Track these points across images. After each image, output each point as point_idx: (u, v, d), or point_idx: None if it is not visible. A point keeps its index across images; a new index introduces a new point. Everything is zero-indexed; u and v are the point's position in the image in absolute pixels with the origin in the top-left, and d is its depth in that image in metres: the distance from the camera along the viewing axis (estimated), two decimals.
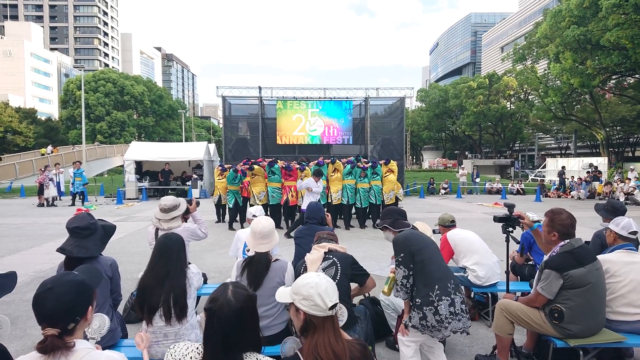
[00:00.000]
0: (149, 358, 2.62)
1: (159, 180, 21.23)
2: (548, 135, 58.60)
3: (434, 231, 4.37)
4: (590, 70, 26.10)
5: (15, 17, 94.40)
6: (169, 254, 2.89)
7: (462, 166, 30.46)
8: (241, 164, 11.81)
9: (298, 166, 11.30)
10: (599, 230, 4.30)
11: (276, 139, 20.21)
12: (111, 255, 3.37)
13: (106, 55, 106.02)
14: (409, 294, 2.99)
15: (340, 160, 11.87)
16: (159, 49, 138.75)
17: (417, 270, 2.97)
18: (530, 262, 4.89)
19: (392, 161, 12.11)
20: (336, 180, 11.38)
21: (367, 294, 4.02)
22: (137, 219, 13.23)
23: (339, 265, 3.16)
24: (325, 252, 3.27)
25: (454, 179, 27.10)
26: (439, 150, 74.81)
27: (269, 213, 10.55)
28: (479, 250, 4.44)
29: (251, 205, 10.47)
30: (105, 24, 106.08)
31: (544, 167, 34.19)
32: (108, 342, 2.89)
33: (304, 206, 10.20)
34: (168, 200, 4.22)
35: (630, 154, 46.02)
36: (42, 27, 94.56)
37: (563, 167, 25.31)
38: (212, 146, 25.19)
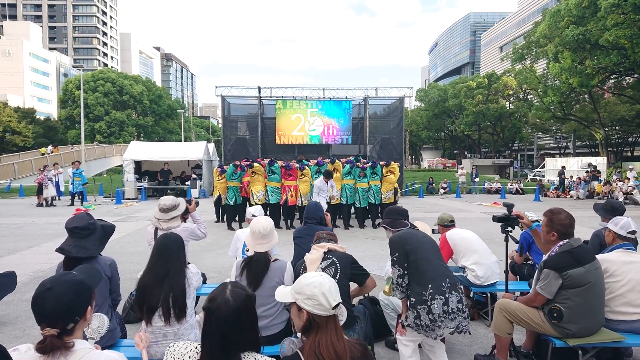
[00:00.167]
0: (148, 358, 2.62)
1: (158, 180, 21.21)
2: (547, 135, 58.67)
3: (433, 231, 4.38)
4: (589, 70, 26.13)
5: (14, 17, 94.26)
6: (168, 254, 2.89)
7: (461, 166, 30.50)
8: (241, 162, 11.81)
9: (297, 165, 11.30)
10: (597, 230, 4.30)
11: (275, 139, 20.22)
12: (110, 255, 3.37)
13: (105, 55, 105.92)
14: (404, 293, 3.00)
15: (340, 160, 11.88)
16: (158, 48, 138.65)
17: (412, 270, 2.98)
18: (530, 262, 4.90)
19: (393, 163, 12.06)
20: (335, 180, 11.38)
21: (366, 294, 4.01)
22: (136, 219, 13.22)
23: (338, 265, 3.16)
24: (324, 252, 3.27)
25: (453, 178, 27.12)
26: (438, 150, 74.85)
27: (268, 213, 10.54)
28: (478, 249, 4.45)
29: (250, 205, 10.47)
30: (104, 23, 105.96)
31: (543, 166, 34.24)
32: (107, 342, 2.89)
33: None
34: (167, 200, 4.22)
35: (629, 154, 46.11)
36: (41, 26, 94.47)
37: (563, 167, 25.34)
38: (212, 146, 25.18)
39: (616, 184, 20.11)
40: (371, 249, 8.55)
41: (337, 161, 11.69)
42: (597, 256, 3.24)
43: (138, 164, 21.50)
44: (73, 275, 1.80)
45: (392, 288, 3.08)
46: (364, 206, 11.57)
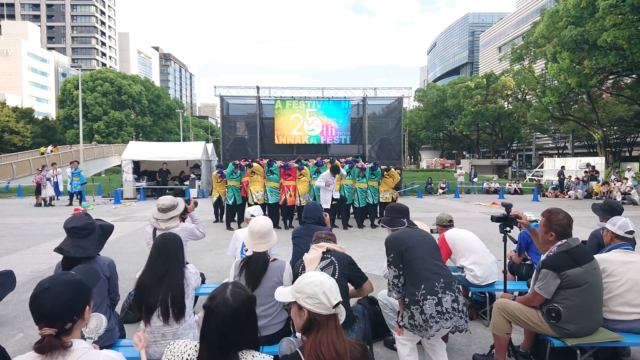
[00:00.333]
0: (147, 358, 2.62)
1: (157, 180, 21.19)
2: (545, 135, 58.77)
3: (431, 231, 4.38)
4: (587, 70, 26.17)
5: (12, 17, 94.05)
6: (167, 254, 2.89)
7: (459, 166, 30.51)
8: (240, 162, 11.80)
9: (296, 165, 11.29)
10: (595, 230, 4.31)
11: (274, 139, 20.21)
12: (109, 255, 3.37)
13: (104, 54, 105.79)
14: (401, 293, 3.01)
15: (339, 160, 11.87)
16: (156, 48, 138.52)
17: (406, 270, 2.99)
18: (528, 262, 4.90)
19: (393, 170, 11.94)
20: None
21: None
22: (135, 219, 13.21)
23: (337, 264, 3.16)
24: (323, 252, 3.27)
25: (451, 178, 27.13)
26: (437, 150, 74.94)
27: (266, 213, 10.54)
28: (476, 249, 4.45)
29: (249, 205, 10.46)
30: (103, 23, 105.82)
31: (542, 166, 34.30)
32: (106, 342, 2.88)
33: (322, 204, 10.35)
34: (166, 200, 4.22)
35: (627, 154, 46.21)
36: (40, 26, 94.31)
37: (562, 167, 25.37)
38: (210, 146, 25.18)
39: (614, 184, 20.14)
40: (370, 248, 8.56)
41: (336, 161, 11.69)
42: (595, 256, 3.24)
43: (137, 164, 21.48)
44: (71, 275, 1.80)
45: (388, 288, 3.09)
46: (362, 206, 11.57)
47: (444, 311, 2.85)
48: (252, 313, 1.73)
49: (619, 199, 18.11)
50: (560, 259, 3.04)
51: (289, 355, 1.85)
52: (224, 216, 12.02)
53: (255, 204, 10.43)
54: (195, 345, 1.75)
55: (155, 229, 4.17)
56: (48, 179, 17.63)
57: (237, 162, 11.39)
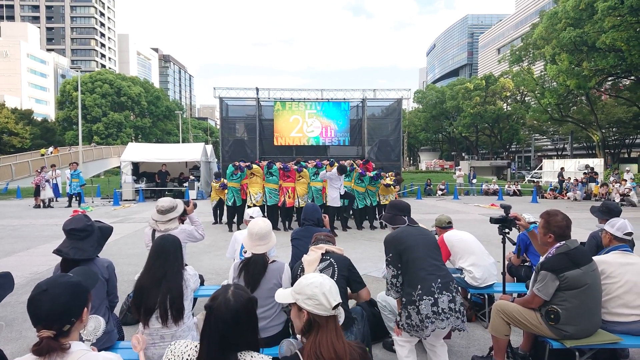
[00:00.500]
0: None
1: (156, 181, 21.19)
2: (544, 137, 58.84)
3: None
4: (586, 72, 26.21)
5: (11, 18, 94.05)
6: (166, 256, 2.88)
7: (458, 167, 30.54)
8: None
9: (295, 167, 11.29)
10: (594, 232, 4.32)
11: (273, 140, 20.22)
12: (108, 257, 3.36)
13: (103, 56, 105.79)
14: (399, 292, 3.01)
15: (339, 163, 11.87)
16: (156, 50, 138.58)
17: (404, 270, 2.99)
18: (527, 264, 4.91)
19: (392, 187, 11.91)
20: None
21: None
22: (134, 221, 13.19)
23: (336, 266, 3.15)
24: (322, 254, 3.27)
25: (451, 180, 27.15)
26: (436, 151, 75.00)
27: (266, 214, 10.54)
28: (475, 251, 4.46)
29: (248, 207, 10.46)
30: (102, 24, 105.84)
31: (541, 168, 34.31)
32: (104, 344, 2.88)
33: (330, 202, 10.51)
34: (165, 201, 4.22)
35: (626, 155, 46.24)
36: (39, 27, 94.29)
37: (562, 169, 25.38)
38: (209, 147, 25.18)
39: (613, 186, 20.16)
40: (369, 250, 8.55)
41: (335, 164, 11.70)
42: (593, 258, 3.25)
43: (136, 166, 21.46)
44: (69, 277, 1.80)
45: (387, 288, 3.08)
46: (361, 207, 11.57)
47: (440, 311, 2.85)
48: (253, 315, 1.74)
49: (617, 200, 18.13)
50: (559, 261, 3.04)
51: (288, 356, 1.86)
52: (224, 218, 12.04)
53: (254, 205, 10.43)
54: (196, 346, 1.76)
55: (154, 231, 4.17)
56: (47, 181, 17.61)
57: (237, 163, 11.40)
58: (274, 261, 3.25)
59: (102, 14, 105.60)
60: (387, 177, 11.84)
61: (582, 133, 41.21)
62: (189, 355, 1.73)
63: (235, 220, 11.40)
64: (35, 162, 28.82)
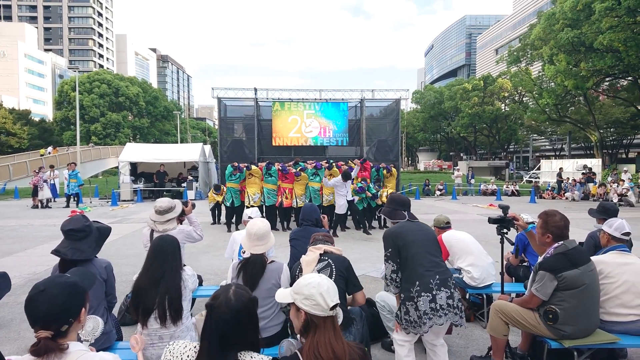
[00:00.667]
0: None
1: (154, 181, 21.15)
2: (542, 137, 58.93)
3: None
4: (584, 73, 26.27)
5: (9, 18, 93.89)
6: (164, 256, 2.88)
7: (457, 168, 30.58)
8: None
9: (294, 171, 11.27)
10: (592, 232, 4.33)
11: (272, 141, 20.20)
12: (106, 257, 3.36)
13: (101, 56, 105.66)
14: (399, 288, 3.01)
15: (338, 167, 11.89)
16: (154, 50, 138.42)
17: (402, 266, 2.99)
18: (525, 264, 4.92)
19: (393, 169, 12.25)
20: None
21: None
22: (132, 221, 13.17)
23: (334, 267, 3.15)
24: (320, 254, 3.26)
25: (449, 180, 27.17)
26: (434, 151, 75.10)
27: (264, 215, 10.53)
28: (473, 251, 4.46)
29: (246, 207, 10.46)
30: (100, 25, 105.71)
31: (539, 168, 34.36)
32: (103, 345, 2.87)
33: (337, 209, 10.40)
34: (163, 202, 4.21)
35: (623, 156, 46.36)
36: (36, 27, 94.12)
37: (561, 169, 25.43)
38: (208, 147, 25.15)
39: (610, 186, 20.21)
40: (367, 250, 8.56)
41: (334, 167, 11.74)
42: (592, 258, 3.25)
43: (134, 166, 21.43)
44: (66, 278, 1.80)
45: (385, 283, 3.08)
46: (360, 208, 11.56)
47: (438, 308, 2.86)
48: (254, 315, 1.74)
49: (615, 200, 18.17)
50: (557, 261, 3.05)
51: (288, 356, 1.85)
52: (222, 218, 12.04)
53: (252, 206, 10.42)
54: (195, 347, 1.76)
55: (152, 231, 4.16)
56: (45, 181, 17.57)
57: (236, 164, 11.40)
58: (272, 261, 3.25)
59: (99, 14, 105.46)
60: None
61: (580, 133, 41.30)
62: (188, 356, 1.73)
63: (233, 220, 11.40)
64: (33, 163, 28.77)
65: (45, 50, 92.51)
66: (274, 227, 10.63)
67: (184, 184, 20.80)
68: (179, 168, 22.96)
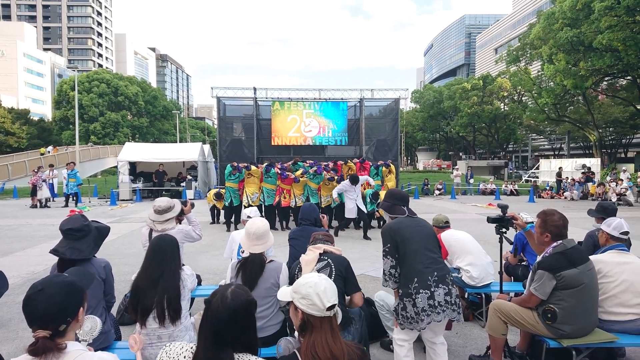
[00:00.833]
0: None
1: (153, 181, 21.13)
2: (541, 137, 58.99)
3: None
4: (583, 72, 26.28)
5: (8, 17, 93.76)
6: (163, 256, 2.88)
7: (456, 167, 30.56)
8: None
9: (293, 176, 11.25)
10: (591, 231, 4.34)
11: (271, 140, 20.20)
12: (105, 256, 3.36)
13: (100, 55, 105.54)
14: (397, 283, 3.01)
15: (335, 164, 11.96)
16: (153, 49, 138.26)
17: (401, 262, 2.99)
18: (524, 263, 4.92)
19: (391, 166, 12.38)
20: (330, 186, 11.35)
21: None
22: (131, 220, 13.16)
23: (333, 266, 3.15)
24: (320, 253, 3.26)
25: (448, 179, 27.18)
26: (434, 151, 75.11)
27: (263, 214, 10.53)
28: (472, 250, 4.46)
29: (245, 207, 10.46)
30: (99, 24, 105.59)
31: (538, 168, 34.39)
32: (101, 344, 2.87)
33: (347, 213, 10.34)
34: (162, 201, 4.20)
35: (622, 155, 46.40)
36: (35, 27, 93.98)
37: (560, 169, 25.44)
38: (207, 147, 25.14)
39: (609, 185, 20.23)
40: (366, 250, 8.56)
41: (349, 162, 11.88)
42: (590, 257, 3.26)
43: (133, 165, 21.40)
44: (64, 277, 1.80)
45: (384, 278, 3.07)
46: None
47: (436, 305, 2.86)
48: (251, 316, 1.73)
49: (614, 200, 18.19)
50: (555, 260, 3.05)
51: (286, 356, 1.85)
52: (221, 217, 12.03)
53: (250, 205, 10.41)
54: (192, 347, 1.75)
55: (151, 231, 4.16)
56: (44, 180, 17.54)
57: (235, 164, 11.39)
58: (271, 261, 3.25)
59: (99, 14, 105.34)
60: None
61: (579, 133, 41.34)
62: (184, 357, 1.73)
63: (232, 220, 11.39)
64: (32, 162, 28.73)
65: (45, 49, 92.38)
66: (273, 227, 10.62)
67: (183, 184, 20.79)
68: (178, 167, 22.94)
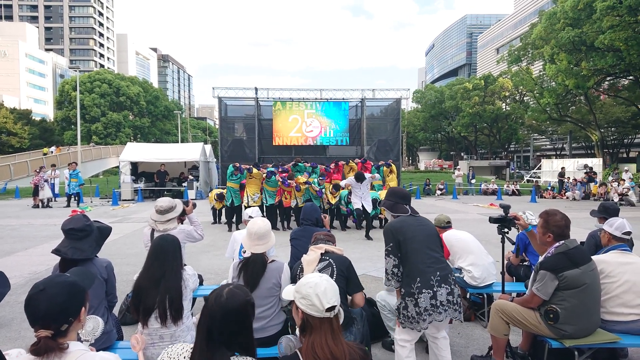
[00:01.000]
0: None
1: (155, 181, 21.15)
2: (543, 137, 58.89)
3: None
4: (585, 72, 26.23)
5: (10, 18, 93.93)
6: (165, 256, 2.88)
7: (457, 167, 30.53)
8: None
9: (295, 185, 11.24)
10: (593, 231, 4.32)
11: (272, 140, 20.22)
12: (106, 256, 3.36)
13: (102, 56, 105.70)
14: (400, 282, 3.00)
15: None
16: (154, 49, 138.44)
17: (403, 261, 2.98)
18: (526, 263, 4.91)
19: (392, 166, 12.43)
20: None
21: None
22: (133, 221, 13.18)
23: (335, 266, 3.14)
24: (321, 253, 3.26)
25: (449, 180, 27.15)
26: (435, 151, 75.03)
27: (264, 214, 10.53)
28: (474, 250, 4.46)
29: (246, 207, 10.46)
30: (101, 24, 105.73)
31: (539, 168, 34.33)
32: (103, 344, 2.87)
33: (353, 205, 10.35)
34: (164, 201, 4.20)
35: (624, 155, 46.29)
36: (37, 27, 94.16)
37: (563, 168, 25.40)
38: (208, 147, 25.15)
39: (611, 185, 20.18)
40: (368, 250, 8.56)
41: (351, 162, 11.92)
42: (592, 257, 3.25)
43: (134, 165, 21.43)
44: (66, 277, 1.80)
45: (386, 277, 3.06)
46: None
47: (439, 304, 2.86)
48: (246, 317, 1.71)
49: (616, 200, 18.16)
50: (558, 260, 3.04)
51: (288, 356, 1.85)
52: (223, 217, 12.04)
53: (252, 205, 10.42)
54: (191, 348, 1.75)
55: (153, 231, 4.16)
56: (46, 181, 17.58)
57: (238, 165, 11.41)
58: (273, 261, 3.25)
59: (100, 14, 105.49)
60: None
61: (581, 133, 41.26)
62: (184, 357, 1.73)
63: (234, 220, 11.40)
64: (34, 162, 28.79)
65: (46, 50, 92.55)
66: (274, 227, 10.63)
67: (185, 184, 20.80)
68: (180, 168, 22.96)
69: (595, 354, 3.28)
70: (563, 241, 3.12)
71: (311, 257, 3.26)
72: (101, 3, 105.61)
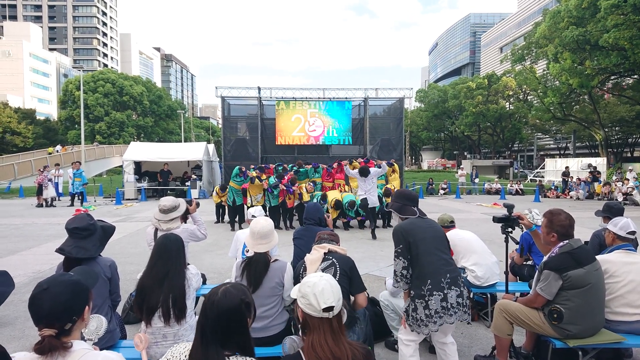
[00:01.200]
0: (148, 359, 2.62)
1: (158, 180, 21.20)
2: (547, 136, 58.70)
3: None
4: (589, 71, 26.12)
5: (14, 17, 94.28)
6: (168, 255, 2.88)
7: (461, 166, 30.48)
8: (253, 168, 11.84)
9: (299, 192, 11.27)
10: (597, 231, 4.31)
11: (275, 140, 20.23)
12: (110, 255, 3.37)
13: (105, 55, 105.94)
14: (409, 284, 2.99)
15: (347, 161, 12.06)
16: (158, 49, 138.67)
17: (413, 263, 2.98)
18: (530, 263, 4.90)
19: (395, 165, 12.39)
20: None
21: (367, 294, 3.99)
22: (136, 220, 13.22)
23: (338, 266, 3.14)
24: (325, 253, 3.26)
25: (453, 179, 27.11)
26: (438, 150, 74.87)
27: (267, 214, 10.55)
28: (477, 250, 4.45)
29: (249, 207, 10.48)
30: (104, 24, 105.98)
31: (543, 167, 34.21)
32: (107, 343, 2.88)
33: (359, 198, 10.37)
34: (168, 200, 4.21)
35: (628, 154, 46.08)
36: (41, 27, 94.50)
37: (567, 168, 25.31)
38: (211, 146, 25.17)
39: (615, 185, 20.10)
40: (371, 249, 8.54)
41: (354, 162, 11.96)
42: (597, 257, 3.23)
43: (138, 165, 21.49)
44: (69, 276, 1.80)
45: (395, 279, 3.04)
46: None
47: (449, 307, 2.86)
48: (241, 316, 1.69)
49: (620, 199, 18.07)
50: (562, 260, 3.03)
51: (291, 355, 1.84)
52: (226, 217, 12.07)
53: (254, 205, 10.44)
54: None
55: (156, 230, 4.16)
56: (49, 180, 17.65)
57: (244, 169, 11.51)
58: (276, 260, 3.25)
59: (104, 14, 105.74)
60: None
61: (585, 132, 41.11)
62: (185, 356, 1.74)
63: (237, 219, 11.43)
64: (38, 162, 28.91)
65: (50, 49, 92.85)
66: (277, 226, 10.63)
67: (188, 183, 20.81)
68: (183, 167, 22.99)
69: (600, 354, 3.27)
70: (567, 241, 3.11)
71: (314, 256, 3.26)
72: (105, 3, 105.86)
